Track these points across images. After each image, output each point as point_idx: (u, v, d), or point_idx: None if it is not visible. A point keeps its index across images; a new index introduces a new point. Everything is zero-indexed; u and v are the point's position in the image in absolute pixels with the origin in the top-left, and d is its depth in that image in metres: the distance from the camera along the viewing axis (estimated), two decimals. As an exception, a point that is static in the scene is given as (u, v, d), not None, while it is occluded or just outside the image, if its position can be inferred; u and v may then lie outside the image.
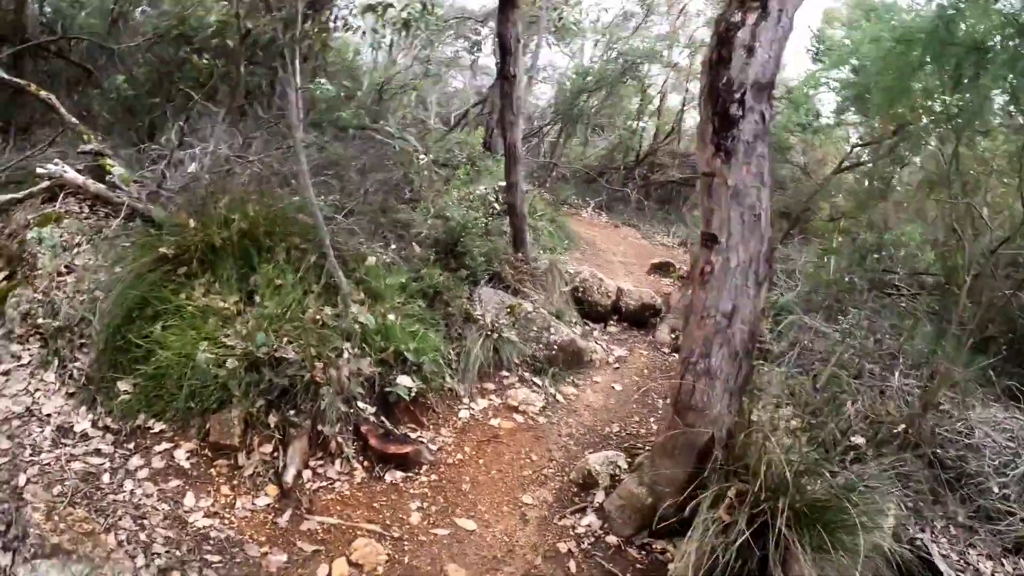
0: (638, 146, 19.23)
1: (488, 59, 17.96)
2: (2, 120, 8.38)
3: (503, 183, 9.30)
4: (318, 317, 5.96)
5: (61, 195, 7.51)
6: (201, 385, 5.44)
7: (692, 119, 20.03)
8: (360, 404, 5.86)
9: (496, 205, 9.40)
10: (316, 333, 5.83)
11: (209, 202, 6.56)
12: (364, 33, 10.56)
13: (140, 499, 4.97)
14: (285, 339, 5.66)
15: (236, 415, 5.41)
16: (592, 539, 5.29)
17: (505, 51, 8.58)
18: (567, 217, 14.40)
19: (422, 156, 8.94)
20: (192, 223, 6.29)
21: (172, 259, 6.15)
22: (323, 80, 9.22)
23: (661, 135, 19.37)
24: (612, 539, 5.28)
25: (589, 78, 17.93)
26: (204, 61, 9.26)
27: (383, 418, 6.01)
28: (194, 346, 5.54)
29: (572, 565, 5.04)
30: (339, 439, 5.63)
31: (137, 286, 6.00)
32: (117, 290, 6.04)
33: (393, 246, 7.53)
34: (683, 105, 19.78)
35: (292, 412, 5.53)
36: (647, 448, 6.06)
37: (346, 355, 5.81)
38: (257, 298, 6.05)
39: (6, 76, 8.84)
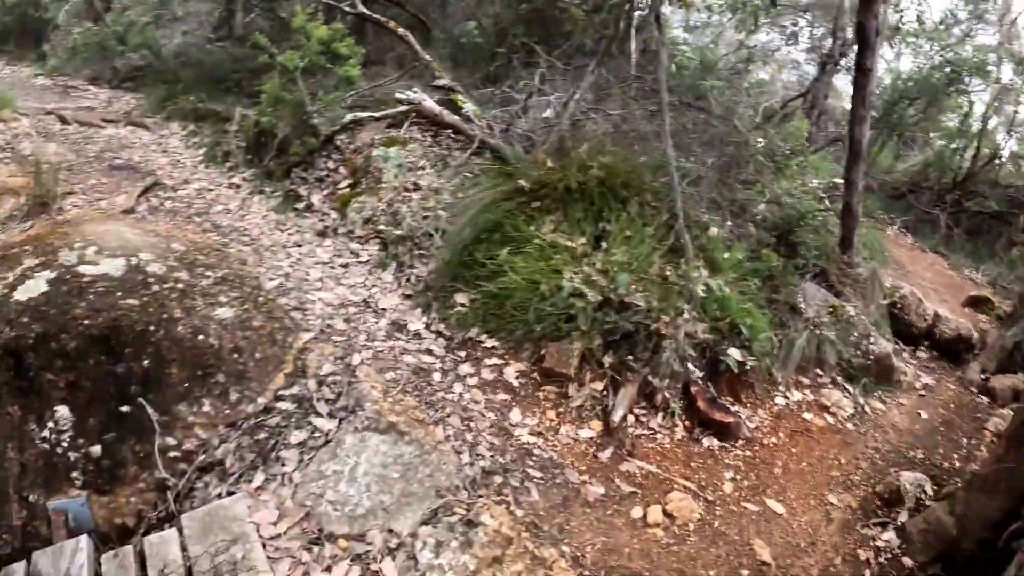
0: (957, 167, 17.47)
1: (798, 53, 17.19)
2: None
3: (834, 180, 8.83)
4: (667, 274, 5.88)
5: (406, 122, 7.90)
6: (548, 312, 5.53)
7: (1015, 146, 18.19)
8: (690, 366, 5.73)
9: (827, 201, 8.92)
10: (660, 288, 5.73)
11: (567, 146, 6.59)
12: (698, 9, 10.33)
13: (468, 403, 5.15)
14: (632, 287, 5.61)
15: (576, 347, 5.45)
16: (889, 555, 5.00)
17: (864, 43, 8.04)
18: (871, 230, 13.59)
19: (759, 140, 8.58)
20: (550, 163, 6.33)
21: (527, 193, 6.28)
22: (686, 47, 9.10)
23: (981, 159, 17.47)
24: (907, 561, 4.95)
25: (910, 83, 16.60)
26: (581, 11, 9.39)
27: (709, 384, 5.85)
28: (542, 275, 5.64)
29: (867, 574, 4.80)
30: (667, 394, 5.53)
31: (491, 211, 6.19)
32: (468, 213, 6.27)
33: (729, 223, 7.26)
34: (1009, 130, 17.87)
35: (630, 357, 5.49)
36: (954, 481, 5.79)
37: (686, 315, 5.64)
38: (604, 244, 6.05)
39: (367, 12, 9.41)
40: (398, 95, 8.09)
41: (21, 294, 4.74)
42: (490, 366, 5.55)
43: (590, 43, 9.94)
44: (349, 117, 8.02)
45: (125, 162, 8.07)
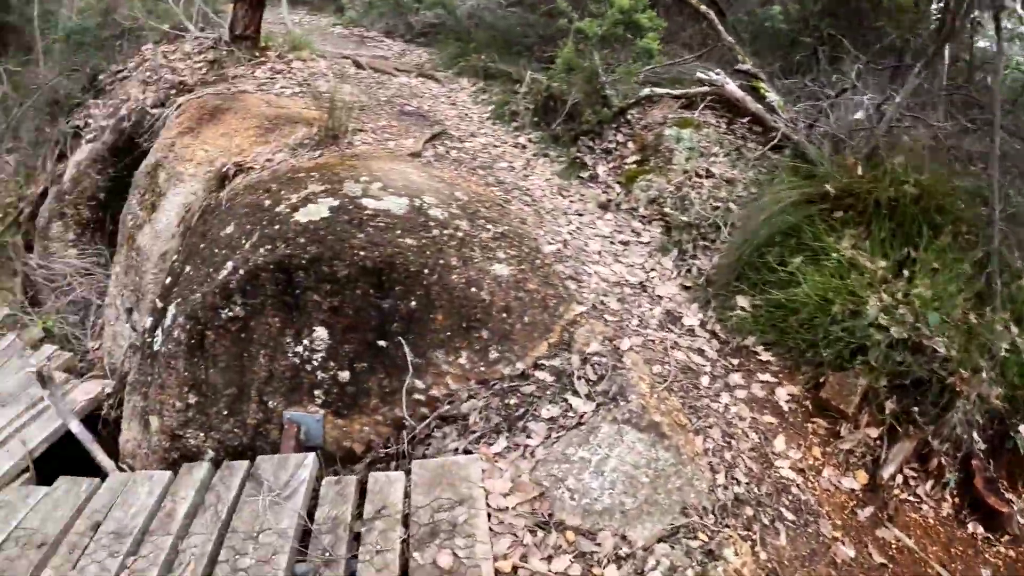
0: None
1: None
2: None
3: None
4: (977, 321, 5.18)
5: (701, 104, 7.57)
6: (837, 337, 5.02)
7: None
8: (975, 434, 5.00)
9: None
10: (963, 336, 5.07)
11: (880, 155, 6.03)
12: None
13: (732, 418, 4.74)
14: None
15: (861, 384, 4.89)
16: None
17: None
18: None
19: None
20: (860, 171, 5.80)
21: (831, 200, 5.77)
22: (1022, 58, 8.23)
23: None
24: None
25: None
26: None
27: (989, 460, 5.10)
28: (837, 294, 5.14)
29: None
30: (943, 460, 4.86)
31: (789, 213, 5.74)
32: (766, 210, 5.84)
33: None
34: None
35: (915, 409, 4.87)
36: None
37: (983, 374, 4.96)
38: (906, 272, 5.43)
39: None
40: (699, 75, 7.79)
41: (302, 216, 4.92)
42: (762, 382, 5.10)
43: (901, 42, 9.29)
44: (645, 92, 7.82)
45: (415, 109, 8.25)
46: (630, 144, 7.52)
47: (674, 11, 10.70)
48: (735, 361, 5.25)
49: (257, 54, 8.93)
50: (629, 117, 7.88)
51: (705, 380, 4.96)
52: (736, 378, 5.07)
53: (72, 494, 4.68)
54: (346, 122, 6.60)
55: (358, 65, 9.92)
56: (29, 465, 5.76)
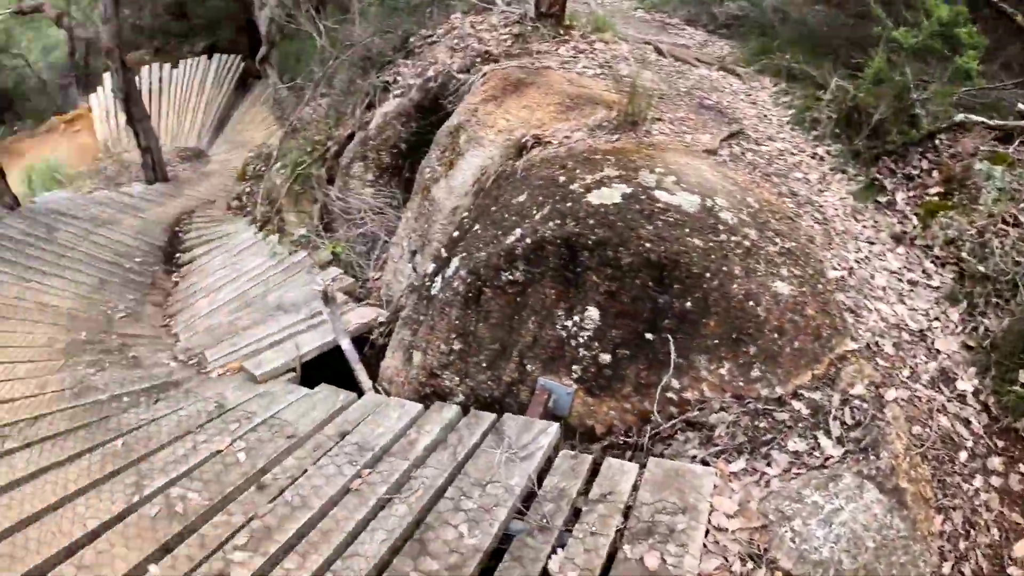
0: None
1: None
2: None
3: None
4: None
5: (1017, 140, 6.98)
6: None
7: None
8: None
9: None
10: None
11: None
12: None
13: (979, 506, 4.32)
14: None
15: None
16: None
17: None
18: None
19: None
20: None
21: None
22: None
23: None
24: None
25: None
26: None
27: None
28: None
29: None
30: None
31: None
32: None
33: None
34: None
35: None
36: None
37: None
38: None
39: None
40: (1020, 106, 7.10)
41: (595, 198, 5.06)
42: (1022, 475, 4.56)
43: None
44: (959, 117, 7.21)
45: (713, 104, 8.11)
46: (935, 173, 6.92)
47: (992, 26, 9.82)
48: (1000, 443, 4.73)
49: (561, 32, 9.19)
50: (937, 143, 7.31)
51: (963, 456, 4.54)
52: (996, 462, 4.59)
53: (329, 401, 5.36)
54: (645, 109, 6.65)
55: (659, 52, 9.88)
56: (297, 367, 6.43)
